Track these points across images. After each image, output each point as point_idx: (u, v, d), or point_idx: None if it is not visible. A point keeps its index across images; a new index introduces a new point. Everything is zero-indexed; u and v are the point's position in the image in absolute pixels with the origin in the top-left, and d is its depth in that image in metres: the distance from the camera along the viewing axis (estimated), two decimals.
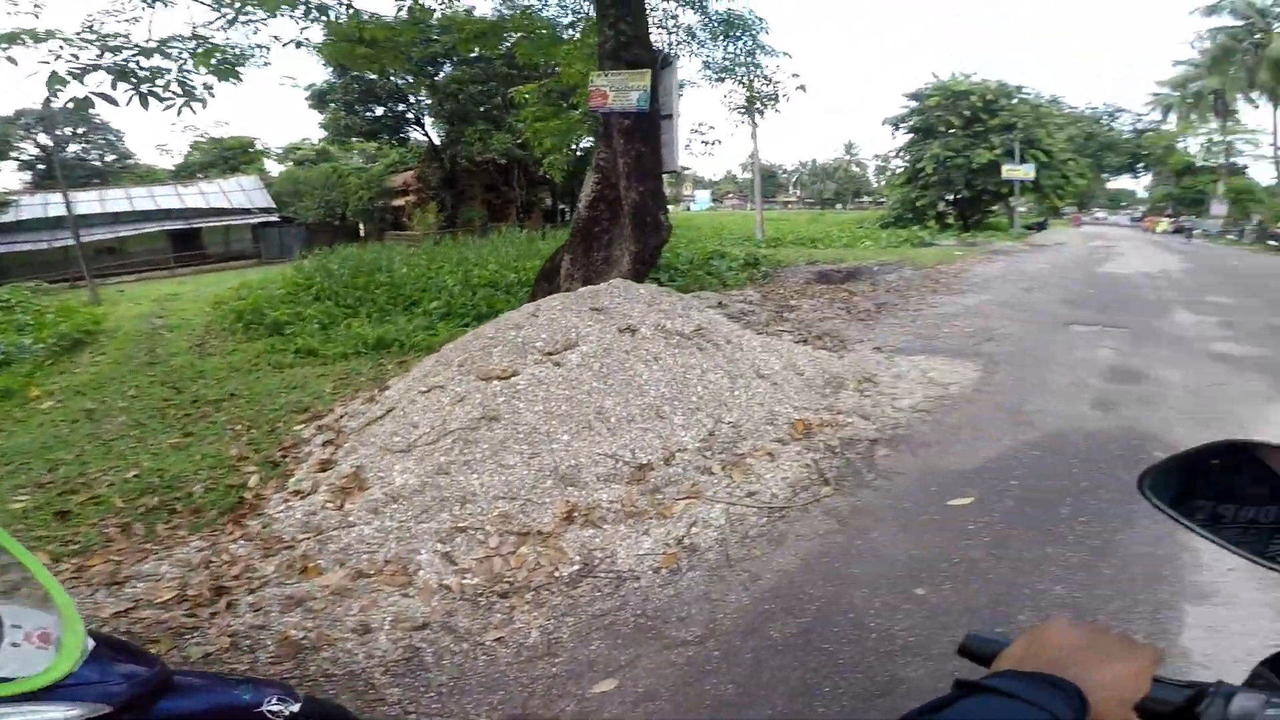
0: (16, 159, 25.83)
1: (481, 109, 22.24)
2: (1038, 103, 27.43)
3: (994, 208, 28.14)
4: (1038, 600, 2.40)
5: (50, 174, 26.79)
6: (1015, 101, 25.56)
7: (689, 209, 62.87)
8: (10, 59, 4.04)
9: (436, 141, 26.06)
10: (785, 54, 8.65)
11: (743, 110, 8.54)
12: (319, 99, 25.40)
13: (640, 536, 2.91)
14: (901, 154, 29.02)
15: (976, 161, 24.12)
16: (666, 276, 11.79)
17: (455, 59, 21.27)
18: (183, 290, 18.76)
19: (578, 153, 12.10)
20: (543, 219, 26.11)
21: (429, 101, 24.07)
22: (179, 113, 4.83)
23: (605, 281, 6.38)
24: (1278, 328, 7.29)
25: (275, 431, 5.10)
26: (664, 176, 6.48)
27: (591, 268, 6.89)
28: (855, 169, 71.73)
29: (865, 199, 67.62)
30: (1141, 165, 43.19)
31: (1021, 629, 0.56)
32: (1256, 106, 30.01)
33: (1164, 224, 31.99)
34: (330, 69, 21.83)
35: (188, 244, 27.30)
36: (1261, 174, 33.61)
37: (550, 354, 4.07)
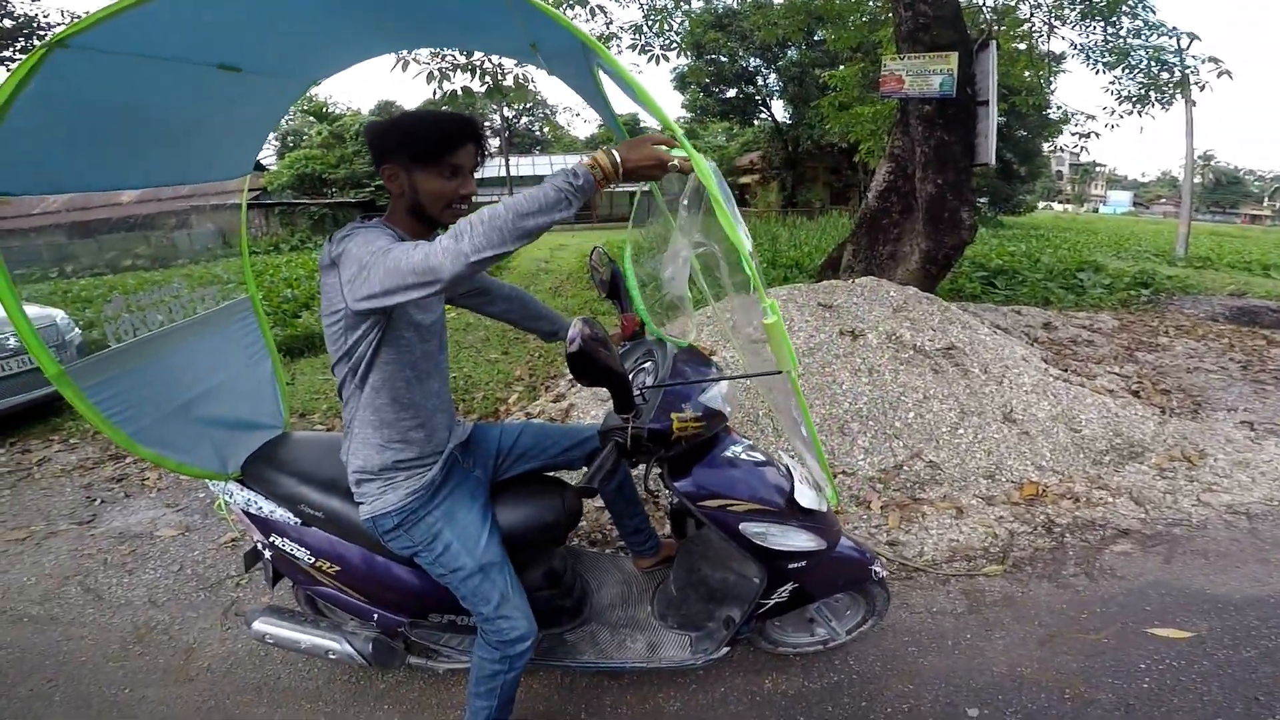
0: (503, 128, 34.48)
1: (825, 92, 21.92)
2: None
3: None
4: None
5: (512, 140, 35.21)
6: None
7: (1097, 210, 51.38)
8: (415, 59, 5.60)
9: (781, 123, 26.22)
10: (1191, 35, 6.24)
11: (1134, 101, 6.54)
12: (680, 81, 27.32)
13: None
14: None
15: None
16: (1004, 282, 10.08)
17: (802, 42, 20.99)
18: (571, 242, 23.11)
19: None
20: None
21: (776, 84, 24.31)
22: (523, 101, 6.07)
23: (888, 278, 5.92)
24: None
25: (553, 363, 6.18)
26: (974, 170, 5.54)
27: (874, 261, 6.40)
28: None
29: None
30: None
31: None
32: None
33: None
34: (688, 53, 23.87)
35: (585, 203, 33.30)
36: None
37: (754, 342, 4.01)
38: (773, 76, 25.37)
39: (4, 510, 3.70)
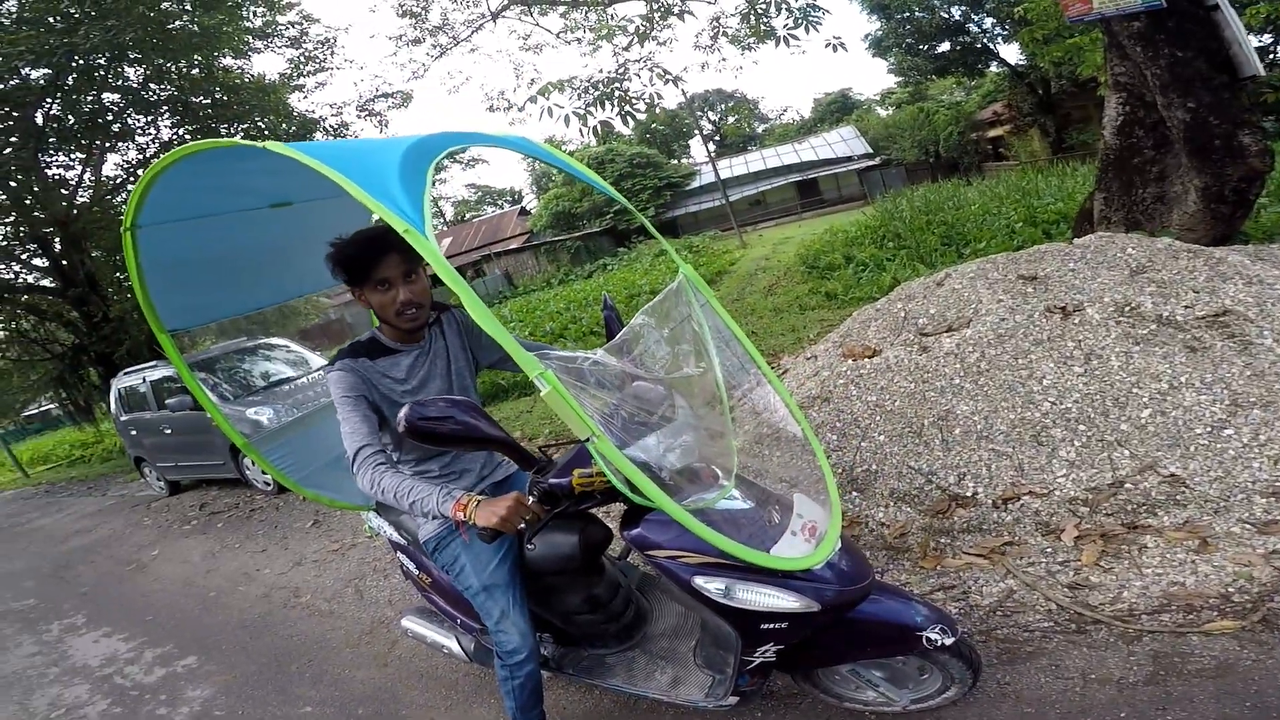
0: (700, 134, 35.31)
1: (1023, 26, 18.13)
2: None
3: None
4: None
5: (723, 142, 35.39)
6: None
7: None
8: (557, 104, 6.81)
9: (1018, 67, 23.02)
10: None
11: None
12: (878, 46, 25.92)
13: None
14: None
15: None
16: None
17: None
18: (796, 234, 22.32)
19: None
20: None
21: (996, 28, 20.97)
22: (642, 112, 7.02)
23: (1160, 225, 4.80)
24: None
25: None
26: (1242, 84, 4.22)
27: (1137, 208, 5.12)
28: None
29: None
30: None
31: None
32: None
33: None
34: (875, 15, 22.09)
35: (809, 192, 32.13)
36: None
37: (925, 334, 3.48)
38: (988, 21, 22.20)
39: (334, 526, 4.94)
